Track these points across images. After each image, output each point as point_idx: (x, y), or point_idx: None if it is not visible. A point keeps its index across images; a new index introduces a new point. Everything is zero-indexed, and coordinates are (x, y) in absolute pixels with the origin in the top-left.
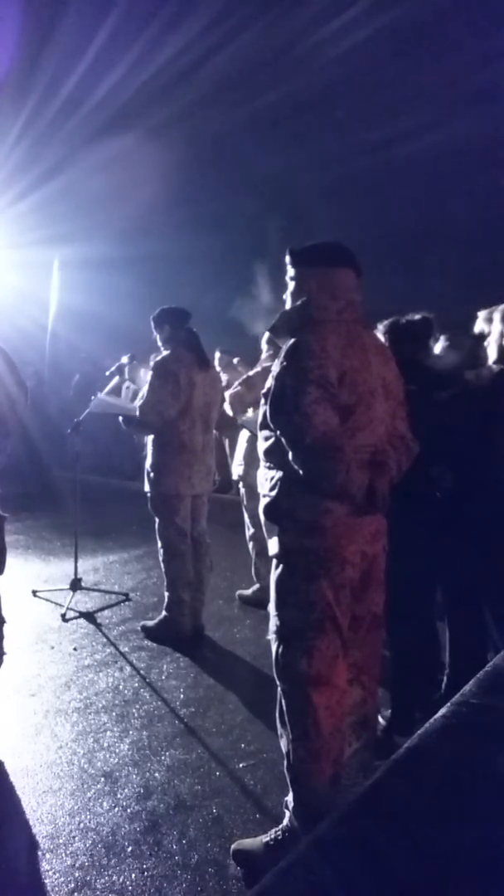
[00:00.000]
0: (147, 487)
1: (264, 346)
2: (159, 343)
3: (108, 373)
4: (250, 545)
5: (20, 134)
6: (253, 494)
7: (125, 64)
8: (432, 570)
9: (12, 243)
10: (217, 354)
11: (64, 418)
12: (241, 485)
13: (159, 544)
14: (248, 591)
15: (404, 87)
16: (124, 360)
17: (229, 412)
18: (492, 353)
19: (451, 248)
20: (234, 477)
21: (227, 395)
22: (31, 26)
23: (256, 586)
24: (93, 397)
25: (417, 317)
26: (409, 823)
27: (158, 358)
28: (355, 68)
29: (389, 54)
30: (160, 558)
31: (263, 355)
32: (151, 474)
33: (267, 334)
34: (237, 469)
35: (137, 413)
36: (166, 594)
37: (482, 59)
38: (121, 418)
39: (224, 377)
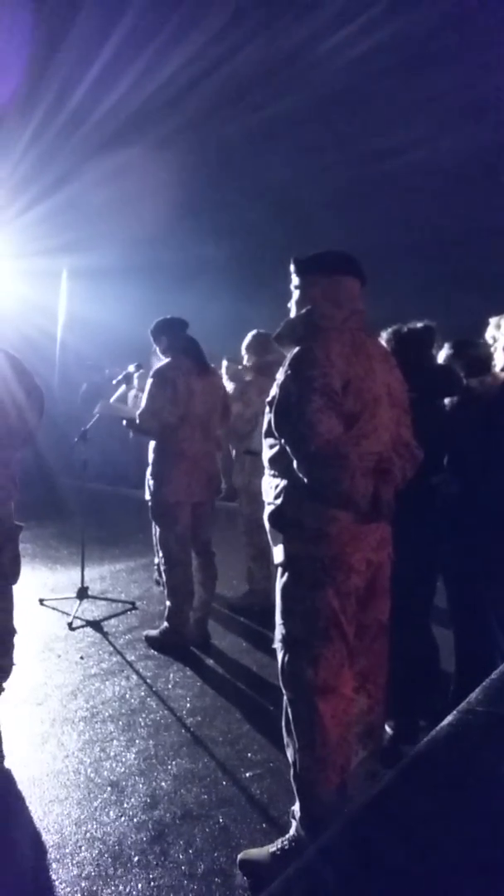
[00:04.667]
0: (147, 495)
1: (244, 353)
2: (159, 354)
3: (115, 381)
4: (246, 550)
5: (28, 145)
6: (251, 500)
7: (131, 76)
8: (432, 577)
9: (21, 253)
10: (224, 363)
11: (71, 427)
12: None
13: (160, 553)
14: (237, 596)
15: (410, 98)
16: (131, 368)
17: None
18: (499, 360)
19: (461, 255)
20: (237, 485)
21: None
22: (37, 39)
23: (246, 589)
24: (95, 411)
25: (420, 325)
26: (415, 831)
27: (158, 365)
28: (361, 79)
29: (394, 65)
30: (161, 567)
31: (245, 362)
32: (151, 482)
33: (246, 340)
34: (239, 477)
35: (137, 419)
36: (167, 603)
37: (482, 71)
38: (125, 421)
39: (230, 386)
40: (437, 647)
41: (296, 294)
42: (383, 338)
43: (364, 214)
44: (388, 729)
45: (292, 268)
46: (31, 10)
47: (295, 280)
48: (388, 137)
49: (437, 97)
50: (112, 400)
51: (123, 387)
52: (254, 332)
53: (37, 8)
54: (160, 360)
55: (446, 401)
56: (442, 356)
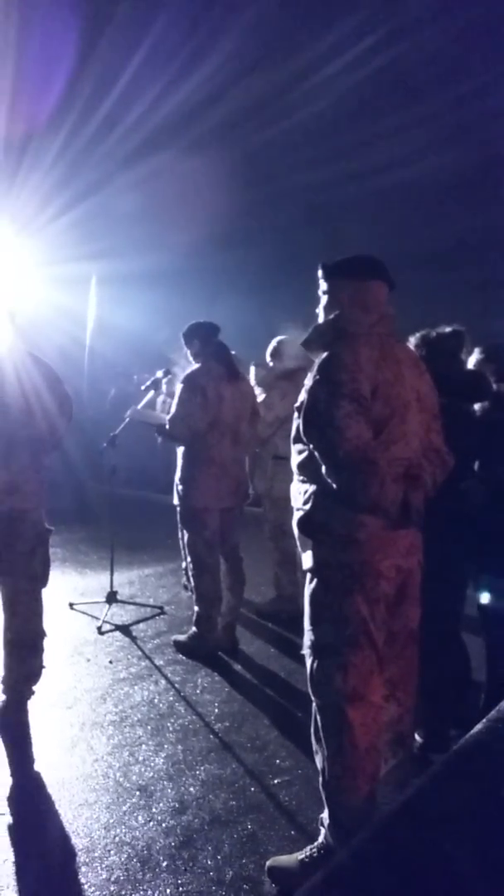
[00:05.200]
0: (176, 500)
1: (269, 358)
2: (190, 358)
3: (143, 387)
4: (272, 555)
5: (59, 153)
6: (274, 506)
7: (160, 85)
8: (462, 584)
9: (51, 260)
10: (252, 369)
11: (100, 433)
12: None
13: (188, 558)
14: (265, 601)
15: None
16: (159, 374)
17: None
18: None
19: (494, 260)
20: (260, 490)
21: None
22: (70, 52)
23: (273, 595)
24: (128, 411)
25: (448, 329)
26: (445, 839)
27: (188, 371)
28: (388, 84)
29: (418, 67)
30: (189, 573)
31: (271, 365)
32: (180, 487)
33: (271, 346)
34: (262, 483)
35: (167, 426)
36: (195, 609)
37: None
38: (155, 428)
39: (258, 391)
40: (468, 655)
41: (324, 299)
42: (412, 343)
43: (395, 219)
44: (417, 737)
45: (320, 273)
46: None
47: (323, 285)
48: (418, 142)
49: (463, 102)
50: (140, 406)
51: (152, 392)
52: (278, 337)
53: (69, 20)
54: (187, 365)
55: (476, 406)
56: (472, 361)
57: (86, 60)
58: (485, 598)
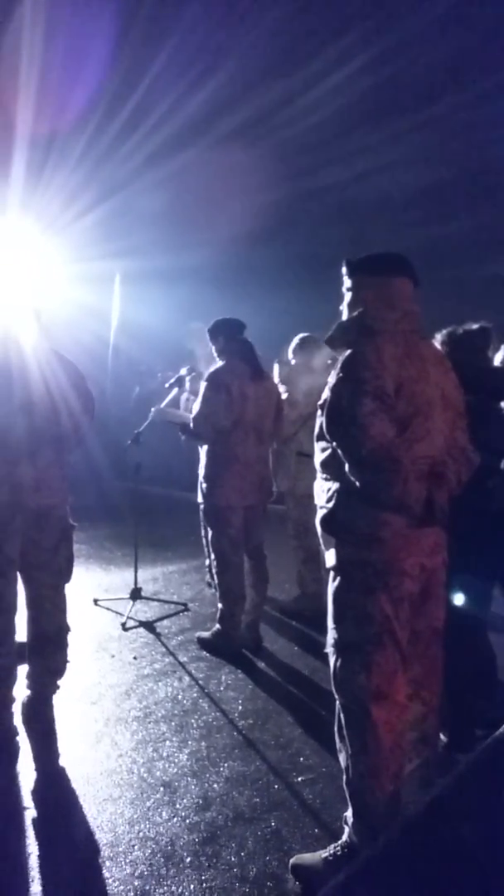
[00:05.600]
0: (200, 498)
1: (290, 356)
2: (214, 354)
3: (167, 385)
4: (295, 553)
5: (84, 151)
6: (297, 503)
7: (185, 82)
8: (488, 584)
9: (76, 258)
10: (276, 366)
11: (124, 430)
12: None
13: (212, 556)
14: (288, 599)
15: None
16: (183, 372)
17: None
18: None
19: None
20: (283, 489)
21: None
22: (94, 51)
23: (298, 594)
24: (152, 409)
25: (475, 326)
26: (471, 840)
27: (212, 369)
28: (416, 80)
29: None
30: (213, 570)
31: (294, 362)
32: (204, 485)
33: (294, 343)
34: (285, 481)
35: (191, 424)
36: (219, 605)
37: None
38: (179, 427)
39: (282, 388)
40: (494, 654)
41: (348, 296)
42: (438, 340)
43: (420, 215)
44: (442, 737)
45: (344, 270)
46: (90, 23)
47: (347, 282)
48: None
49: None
50: (164, 404)
51: (175, 390)
52: (301, 335)
53: (95, 20)
54: (210, 361)
55: (502, 403)
56: (498, 358)
57: (111, 59)
58: None
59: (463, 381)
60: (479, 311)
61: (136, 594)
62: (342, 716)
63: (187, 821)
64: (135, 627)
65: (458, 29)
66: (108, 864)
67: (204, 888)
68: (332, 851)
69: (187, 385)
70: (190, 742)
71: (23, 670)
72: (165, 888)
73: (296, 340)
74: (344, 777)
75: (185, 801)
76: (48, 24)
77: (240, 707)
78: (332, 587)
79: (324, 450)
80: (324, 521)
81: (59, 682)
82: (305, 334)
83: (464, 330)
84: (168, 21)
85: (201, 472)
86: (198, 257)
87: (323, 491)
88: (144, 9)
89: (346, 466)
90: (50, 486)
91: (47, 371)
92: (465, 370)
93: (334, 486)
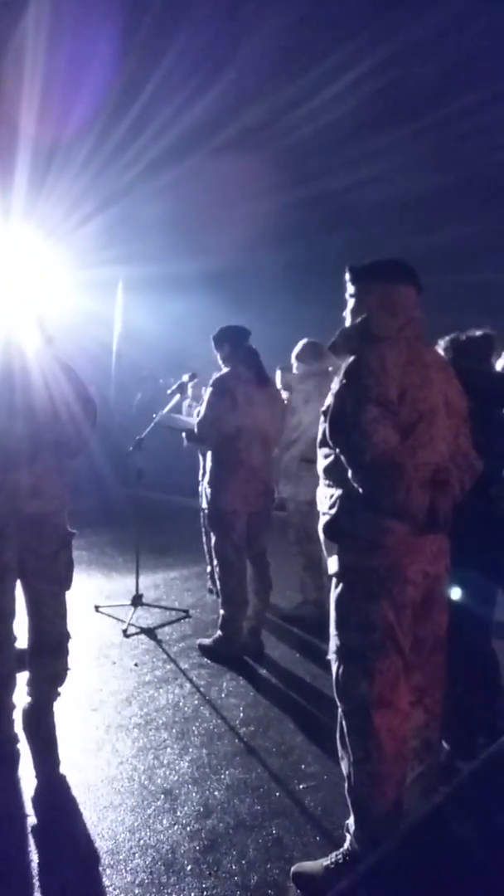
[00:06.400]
0: (204, 504)
1: (294, 361)
2: (220, 361)
3: (169, 391)
4: (297, 560)
5: (86, 159)
6: (299, 510)
7: (187, 90)
8: (491, 590)
9: (79, 265)
10: (278, 373)
11: (126, 436)
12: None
13: (215, 561)
14: (290, 606)
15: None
16: (185, 378)
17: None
18: None
19: None
20: (284, 495)
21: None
22: (97, 59)
23: (300, 600)
24: (154, 415)
25: (478, 333)
26: (472, 848)
27: (217, 375)
28: (416, 87)
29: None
30: (215, 576)
31: (295, 370)
32: (208, 490)
33: (297, 349)
34: (287, 487)
35: (196, 429)
36: (221, 612)
37: None
38: (184, 433)
39: (285, 395)
40: (497, 661)
41: (351, 303)
42: (441, 346)
43: (422, 221)
44: (445, 745)
45: (348, 276)
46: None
47: (350, 289)
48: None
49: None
50: (166, 410)
51: (178, 396)
52: (304, 340)
53: (98, 28)
54: (216, 368)
55: None
56: (500, 364)
57: (113, 68)
58: None
59: (466, 388)
60: (481, 318)
61: (137, 600)
62: (344, 723)
63: (188, 828)
64: (136, 634)
65: (456, 38)
66: (108, 871)
67: None
68: (333, 859)
69: (189, 391)
70: (191, 749)
71: (23, 677)
72: None
73: (299, 346)
74: (346, 784)
75: (185, 808)
76: (51, 35)
77: (241, 714)
78: (334, 594)
79: (327, 456)
80: (326, 527)
81: (60, 689)
82: (307, 340)
83: (467, 336)
84: (170, 31)
85: (205, 477)
86: (200, 264)
87: (326, 497)
88: (147, 19)
89: (349, 473)
90: (47, 493)
91: (49, 377)
92: (469, 377)
93: (337, 492)
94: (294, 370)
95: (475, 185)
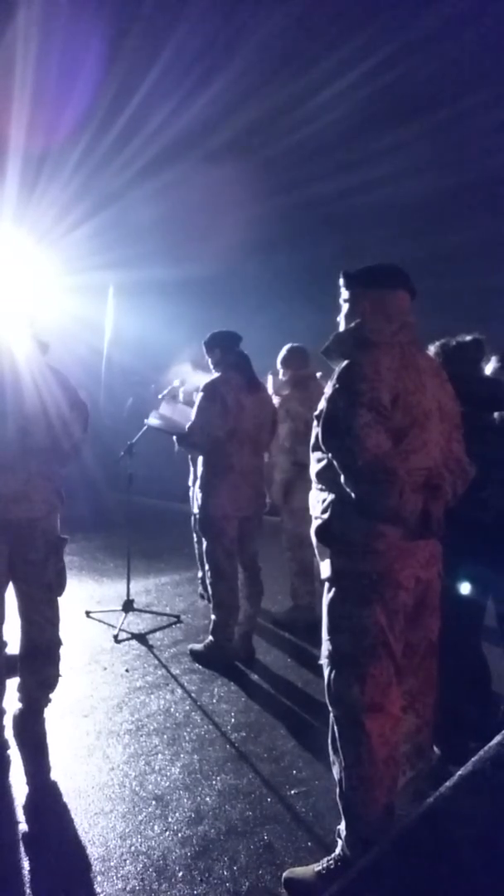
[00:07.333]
0: (195, 509)
1: (279, 367)
2: (210, 366)
3: (160, 396)
4: (289, 565)
5: (77, 164)
6: (291, 515)
7: (177, 96)
8: (482, 596)
9: (69, 270)
10: (269, 378)
11: (117, 441)
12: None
13: (206, 566)
14: (282, 611)
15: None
16: (176, 383)
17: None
18: None
19: None
20: (277, 500)
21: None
22: (87, 64)
23: (291, 605)
24: (146, 420)
25: (468, 338)
26: (462, 852)
27: (208, 380)
28: (408, 93)
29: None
30: (207, 581)
31: (281, 376)
32: (199, 495)
33: (281, 354)
34: (279, 492)
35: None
36: (212, 617)
37: None
38: (175, 437)
39: (276, 399)
40: (488, 666)
41: (345, 308)
42: (432, 351)
43: (414, 227)
44: (436, 749)
45: (341, 281)
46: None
47: (344, 294)
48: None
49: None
50: (162, 401)
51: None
52: (288, 345)
53: (88, 34)
54: (201, 374)
55: (495, 414)
56: (489, 369)
57: (104, 73)
58: None
59: (457, 393)
60: (472, 323)
61: (128, 606)
62: (336, 728)
63: (179, 834)
64: (127, 640)
65: (455, 40)
66: (99, 878)
67: None
68: (325, 864)
69: (180, 396)
70: (182, 755)
71: (13, 683)
72: None
73: (284, 351)
74: (337, 790)
75: (177, 814)
76: (42, 39)
77: (232, 720)
78: (326, 598)
79: (319, 460)
80: (319, 531)
81: (51, 695)
82: (293, 345)
83: (457, 342)
84: (161, 34)
85: (196, 482)
86: (191, 269)
87: (318, 501)
88: (138, 23)
89: (342, 477)
90: (35, 499)
91: (40, 382)
92: (459, 382)
93: (330, 496)
94: (281, 376)
95: (470, 190)
